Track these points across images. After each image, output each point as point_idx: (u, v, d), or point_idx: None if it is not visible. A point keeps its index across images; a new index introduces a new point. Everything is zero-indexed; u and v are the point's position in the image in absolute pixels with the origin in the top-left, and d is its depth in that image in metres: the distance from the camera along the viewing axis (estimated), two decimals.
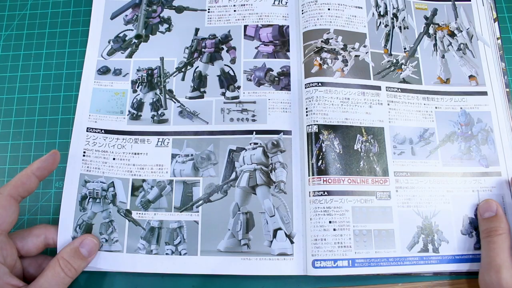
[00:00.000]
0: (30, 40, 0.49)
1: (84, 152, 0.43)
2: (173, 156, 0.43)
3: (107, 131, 0.44)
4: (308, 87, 0.44)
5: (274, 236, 0.40)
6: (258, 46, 0.46)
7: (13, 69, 0.48)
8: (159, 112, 0.44)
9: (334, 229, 0.39)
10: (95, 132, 0.44)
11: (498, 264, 0.35)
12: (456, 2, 0.49)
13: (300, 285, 0.40)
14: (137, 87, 0.45)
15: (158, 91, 0.45)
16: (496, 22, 0.49)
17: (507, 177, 0.43)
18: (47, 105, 0.46)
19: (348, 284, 0.40)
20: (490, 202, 0.40)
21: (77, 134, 0.44)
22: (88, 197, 0.41)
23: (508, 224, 0.38)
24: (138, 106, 0.45)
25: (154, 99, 0.45)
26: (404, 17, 0.48)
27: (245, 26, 0.47)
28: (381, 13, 0.48)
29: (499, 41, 0.48)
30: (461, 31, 0.48)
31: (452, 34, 0.48)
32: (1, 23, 0.50)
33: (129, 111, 0.45)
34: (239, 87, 0.45)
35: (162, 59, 0.46)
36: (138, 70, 0.46)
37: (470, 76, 0.47)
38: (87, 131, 0.44)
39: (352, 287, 0.40)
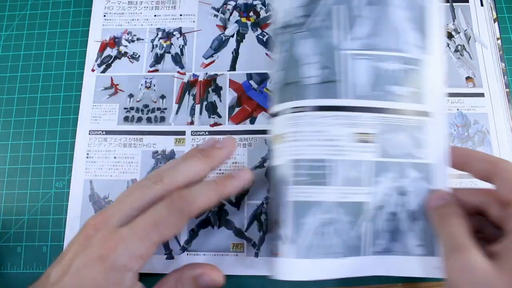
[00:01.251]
0: (30, 40, 0.50)
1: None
2: None
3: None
4: None
5: None
6: None
7: (13, 70, 0.49)
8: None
9: None
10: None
11: (459, 244, 0.30)
12: (454, 4, 0.50)
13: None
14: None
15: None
16: (496, 23, 0.49)
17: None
18: (47, 105, 0.47)
19: (347, 284, 0.40)
20: (437, 191, 0.35)
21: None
22: None
23: (460, 206, 0.33)
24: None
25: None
26: None
27: None
28: None
29: (499, 41, 0.49)
30: (459, 33, 0.49)
31: (449, 36, 0.49)
32: (1, 23, 0.50)
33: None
34: None
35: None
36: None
37: (467, 78, 0.47)
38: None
39: (352, 287, 0.40)
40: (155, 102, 0.45)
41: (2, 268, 0.43)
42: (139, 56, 0.47)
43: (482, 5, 0.50)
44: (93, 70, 0.47)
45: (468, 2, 0.50)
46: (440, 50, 0.37)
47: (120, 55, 0.47)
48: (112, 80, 0.46)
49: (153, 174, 0.34)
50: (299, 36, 0.36)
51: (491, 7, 0.50)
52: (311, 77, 0.35)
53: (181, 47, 0.47)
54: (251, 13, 0.48)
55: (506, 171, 0.31)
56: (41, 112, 0.47)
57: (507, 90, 0.47)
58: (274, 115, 0.37)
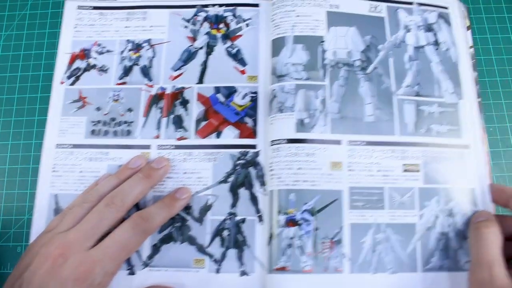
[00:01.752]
0: (30, 40, 0.50)
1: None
2: None
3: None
4: None
5: None
6: None
7: (13, 70, 0.49)
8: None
9: None
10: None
11: (490, 261, 0.34)
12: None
13: None
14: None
15: None
16: (469, 31, 0.48)
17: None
18: (47, 105, 0.46)
19: None
20: (480, 211, 0.40)
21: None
22: None
23: (497, 222, 0.38)
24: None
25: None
26: None
27: None
28: None
29: (472, 49, 0.48)
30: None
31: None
32: (1, 23, 0.51)
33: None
34: None
35: None
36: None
37: None
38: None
39: None
40: (122, 115, 0.45)
41: (2, 268, 0.44)
42: (108, 68, 0.47)
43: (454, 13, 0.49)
44: (62, 83, 0.46)
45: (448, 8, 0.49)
46: (471, 95, 0.45)
47: (89, 67, 0.47)
48: (80, 93, 0.46)
49: (108, 197, 0.38)
50: (364, 78, 0.44)
51: (464, 15, 0.49)
52: (370, 116, 0.42)
53: (150, 59, 0.47)
54: (222, 25, 0.47)
55: None
56: (41, 112, 0.48)
57: (479, 99, 0.46)
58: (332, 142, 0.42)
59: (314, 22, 0.45)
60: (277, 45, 0.44)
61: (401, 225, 0.40)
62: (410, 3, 0.48)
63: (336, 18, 0.45)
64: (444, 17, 0.48)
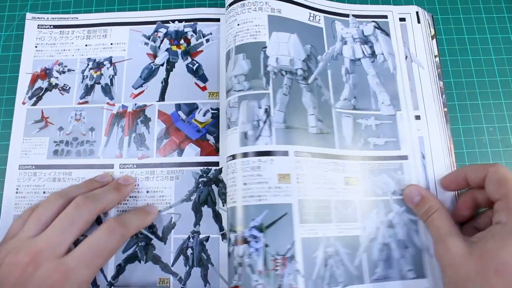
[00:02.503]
0: None
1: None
2: None
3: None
4: None
5: None
6: None
7: (13, 70, 0.48)
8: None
9: None
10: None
11: (443, 234, 0.36)
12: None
13: None
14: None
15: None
16: (434, 39, 0.48)
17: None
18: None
19: None
20: (410, 187, 0.41)
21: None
22: None
23: (438, 200, 0.40)
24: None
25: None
26: None
27: None
28: None
29: (437, 59, 0.48)
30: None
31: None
32: (1, 23, 0.51)
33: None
34: None
35: None
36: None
37: None
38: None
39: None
40: (84, 134, 0.45)
41: None
42: (69, 87, 0.47)
43: (419, 22, 0.49)
44: (23, 103, 0.46)
45: (405, 20, 0.49)
46: (408, 106, 0.45)
47: (51, 87, 0.47)
48: (42, 113, 0.46)
49: (79, 199, 0.37)
50: (306, 88, 0.43)
51: (428, 23, 0.49)
52: (313, 127, 0.42)
53: (111, 77, 0.47)
54: (182, 41, 0.47)
55: (494, 173, 0.36)
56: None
57: (445, 109, 0.46)
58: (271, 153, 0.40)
59: (255, 28, 0.43)
60: (227, 60, 0.44)
61: (348, 237, 0.40)
62: (347, 16, 0.48)
63: (277, 23, 0.44)
64: (382, 28, 0.48)
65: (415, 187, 0.41)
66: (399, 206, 0.42)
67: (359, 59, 0.46)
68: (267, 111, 0.40)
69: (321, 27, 0.46)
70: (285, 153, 0.39)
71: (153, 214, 0.41)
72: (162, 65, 0.47)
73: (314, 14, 0.46)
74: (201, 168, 0.43)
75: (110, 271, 0.41)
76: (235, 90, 0.41)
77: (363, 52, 0.46)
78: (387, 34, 0.48)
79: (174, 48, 0.47)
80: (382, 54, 0.47)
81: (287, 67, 0.42)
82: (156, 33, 0.48)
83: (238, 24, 0.43)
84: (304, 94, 0.42)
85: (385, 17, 0.49)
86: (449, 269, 0.35)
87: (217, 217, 0.42)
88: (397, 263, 0.41)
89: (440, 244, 0.36)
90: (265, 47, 0.42)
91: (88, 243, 0.34)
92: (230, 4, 0.44)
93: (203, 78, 0.46)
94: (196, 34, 0.48)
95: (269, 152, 0.39)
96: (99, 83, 0.47)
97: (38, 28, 0.49)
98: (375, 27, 0.48)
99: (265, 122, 0.40)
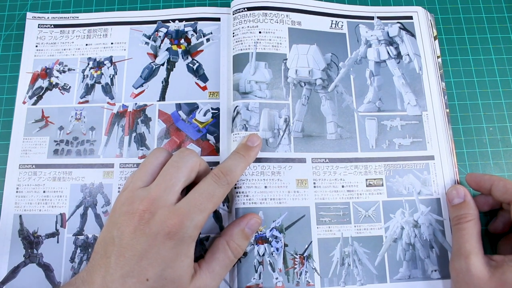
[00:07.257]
0: None
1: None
2: None
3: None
4: None
5: None
6: None
7: (13, 69, 0.48)
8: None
9: None
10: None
11: (467, 251, 0.36)
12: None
13: None
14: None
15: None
16: (436, 40, 0.48)
17: (446, 202, 0.43)
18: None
19: None
20: (458, 188, 0.41)
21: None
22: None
23: (477, 210, 0.39)
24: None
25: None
26: None
27: None
28: None
29: (439, 59, 0.48)
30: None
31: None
32: (1, 22, 0.51)
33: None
34: None
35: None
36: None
37: None
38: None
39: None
40: (84, 134, 0.45)
41: None
42: (70, 87, 0.47)
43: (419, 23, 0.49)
44: (24, 103, 0.46)
45: (412, 18, 0.49)
46: (434, 106, 0.45)
47: (51, 86, 0.47)
48: (43, 112, 0.46)
49: (183, 148, 0.38)
50: (325, 96, 0.44)
51: (431, 24, 0.49)
52: (332, 134, 0.44)
53: (111, 76, 0.47)
54: (182, 40, 0.47)
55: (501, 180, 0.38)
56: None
57: (447, 110, 0.46)
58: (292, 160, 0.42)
59: (276, 39, 0.45)
60: (239, 61, 0.44)
61: (368, 237, 0.41)
62: (371, 18, 0.48)
63: (298, 35, 0.46)
64: (407, 29, 0.48)
65: (462, 189, 0.41)
66: (425, 206, 0.43)
67: (384, 61, 0.47)
68: (286, 121, 0.43)
69: (344, 33, 0.47)
70: (303, 160, 0.42)
71: (256, 146, 0.40)
72: (163, 64, 0.47)
73: (336, 21, 0.47)
74: None
75: None
76: (256, 96, 0.43)
77: (389, 54, 0.47)
78: (413, 35, 0.48)
79: (174, 47, 0.47)
80: (408, 55, 0.47)
81: (306, 78, 0.44)
82: (156, 32, 0.48)
83: (260, 32, 0.45)
84: (323, 103, 0.44)
85: (410, 18, 0.49)
86: (464, 287, 0.35)
87: (217, 217, 0.42)
88: (422, 263, 0.41)
89: (461, 259, 0.36)
90: (286, 59, 0.45)
91: (198, 190, 0.35)
92: (250, 9, 0.45)
93: (204, 78, 0.46)
94: (196, 34, 0.48)
95: (288, 159, 0.42)
96: (99, 82, 0.47)
97: (38, 27, 0.49)
98: (400, 28, 0.48)
99: (284, 131, 0.42)
